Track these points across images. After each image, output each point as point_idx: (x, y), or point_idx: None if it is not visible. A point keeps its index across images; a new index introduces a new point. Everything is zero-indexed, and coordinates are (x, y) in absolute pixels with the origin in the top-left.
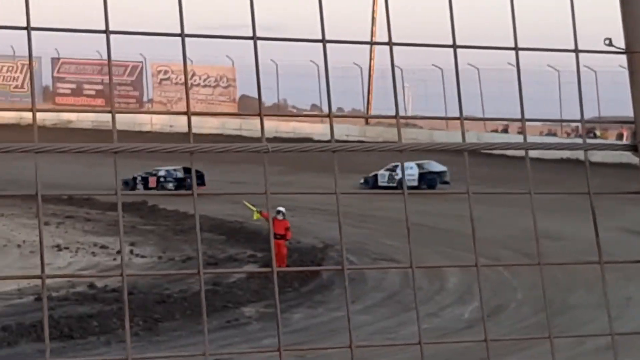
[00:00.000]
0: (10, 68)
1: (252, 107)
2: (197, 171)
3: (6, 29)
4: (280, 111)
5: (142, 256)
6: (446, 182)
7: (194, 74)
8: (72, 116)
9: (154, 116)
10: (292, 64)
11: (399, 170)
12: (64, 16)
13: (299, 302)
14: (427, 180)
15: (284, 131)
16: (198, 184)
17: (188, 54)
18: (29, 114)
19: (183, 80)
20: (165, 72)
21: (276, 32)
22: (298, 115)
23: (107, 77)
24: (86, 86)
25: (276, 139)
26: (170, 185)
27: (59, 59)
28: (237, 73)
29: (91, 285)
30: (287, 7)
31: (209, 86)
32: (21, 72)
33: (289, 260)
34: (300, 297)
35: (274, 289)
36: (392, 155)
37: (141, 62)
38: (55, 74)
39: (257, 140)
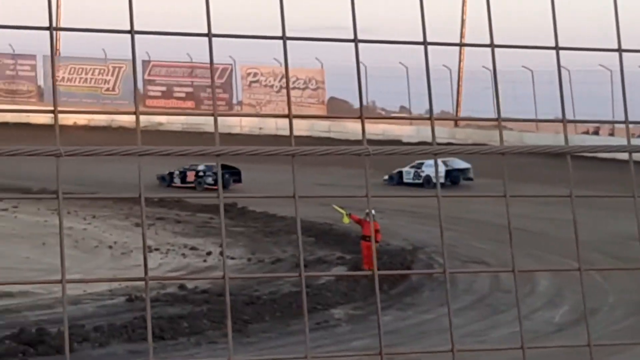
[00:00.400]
0: (102, 71)
1: (341, 109)
2: (233, 168)
3: (110, 32)
4: (369, 113)
5: (232, 258)
6: (470, 179)
7: (283, 77)
8: (162, 118)
9: (243, 119)
10: (380, 66)
11: (424, 168)
12: (151, 19)
13: (389, 305)
14: (452, 177)
15: (373, 133)
16: (235, 181)
17: (277, 57)
18: (119, 116)
19: (272, 82)
20: (255, 74)
21: (364, 35)
22: (399, 117)
23: (197, 79)
24: (176, 89)
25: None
26: (210, 180)
27: (149, 61)
28: (326, 75)
29: (181, 287)
30: (373, 9)
31: (298, 88)
32: (112, 75)
33: (378, 263)
34: (390, 299)
35: (362, 291)
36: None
37: (231, 64)
38: (146, 77)
39: (346, 142)
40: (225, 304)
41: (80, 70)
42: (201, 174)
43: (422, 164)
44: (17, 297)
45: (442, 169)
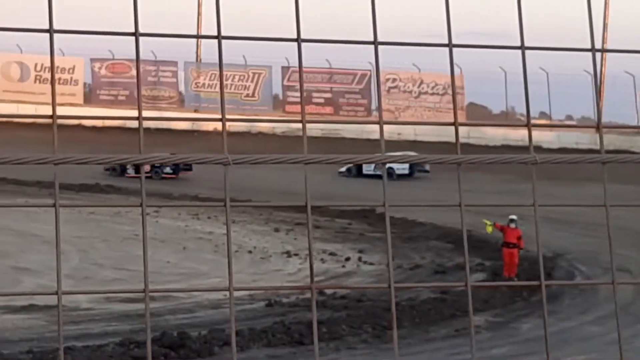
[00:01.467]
0: (242, 77)
1: (479, 114)
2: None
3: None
4: (509, 119)
5: (370, 263)
6: (426, 171)
7: (421, 82)
8: (301, 125)
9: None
10: (519, 72)
11: None
12: (290, 25)
13: (529, 312)
14: (412, 169)
15: (513, 139)
16: (184, 169)
17: (417, 62)
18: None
19: (410, 88)
20: (394, 80)
21: (501, 40)
22: (565, 125)
23: (336, 85)
24: (315, 94)
25: (504, 147)
26: (167, 169)
27: (288, 67)
28: (465, 80)
29: (321, 292)
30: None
31: (437, 94)
32: (252, 81)
33: (519, 269)
34: (530, 306)
35: (502, 298)
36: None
37: (369, 70)
38: (285, 83)
39: (485, 148)
40: (391, 312)
41: None
42: (157, 164)
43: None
44: (159, 301)
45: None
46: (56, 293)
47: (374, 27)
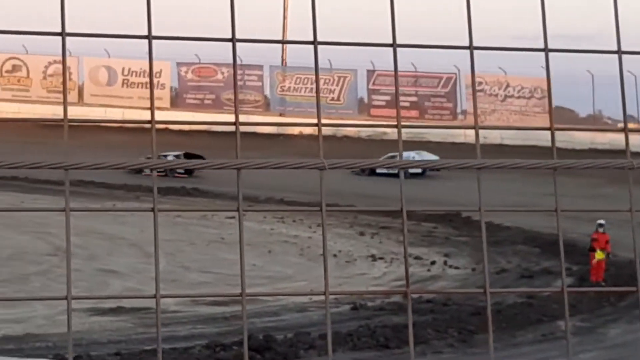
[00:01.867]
0: (327, 80)
1: (566, 118)
2: (198, 156)
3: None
4: (596, 122)
5: (456, 267)
6: (436, 169)
7: (507, 85)
8: (386, 128)
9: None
10: (608, 75)
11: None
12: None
13: (617, 317)
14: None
15: (600, 142)
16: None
17: (503, 65)
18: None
19: (496, 91)
20: (479, 83)
21: (586, 42)
22: None
23: (421, 88)
24: (401, 98)
25: (591, 151)
26: (180, 171)
27: (374, 71)
28: (552, 83)
29: (406, 296)
30: (592, 16)
31: (523, 97)
32: (337, 85)
33: (605, 274)
34: (618, 312)
35: (589, 303)
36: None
37: (455, 73)
38: (370, 86)
39: (572, 152)
40: (487, 317)
41: (306, 80)
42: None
43: (395, 156)
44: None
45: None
46: (154, 296)
47: (470, 32)
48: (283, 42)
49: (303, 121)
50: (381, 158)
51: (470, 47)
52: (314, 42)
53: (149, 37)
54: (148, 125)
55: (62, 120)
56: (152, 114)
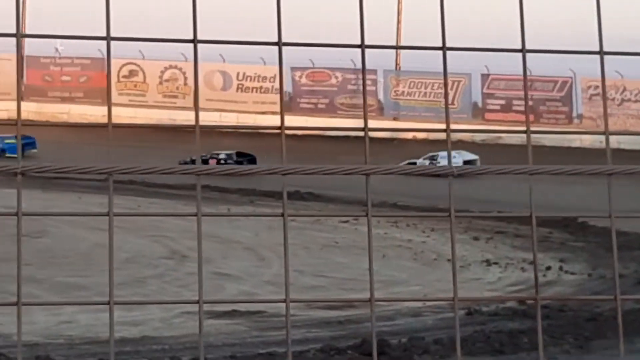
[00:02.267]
0: (441, 85)
1: None
2: (248, 155)
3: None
4: None
5: (572, 273)
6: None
7: (624, 89)
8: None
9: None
10: None
11: (439, 159)
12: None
13: None
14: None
15: None
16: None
17: (618, 69)
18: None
19: (613, 95)
20: (596, 87)
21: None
22: None
23: (536, 92)
24: (515, 102)
25: None
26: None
27: (488, 75)
28: None
29: (521, 301)
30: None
31: (634, 101)
32: (451, 89)
33: None
34: None
35: None
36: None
37: (571, 77)
38: (484, 90)
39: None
40: (618, 325)
41: (420, 84)
42: (222, 162)
43: (437, 155)
44: (359, 308)
45: (460, 161)
46: (284, 301)
47: (600, 36)
48: (405, 47)
49: (417, 126)
50: (420, 158)
51: (601, 52)
52: (443, 49)
53: (279, 44)
54: (265, 130)
55: (193, 126)
56: (282, 120)
